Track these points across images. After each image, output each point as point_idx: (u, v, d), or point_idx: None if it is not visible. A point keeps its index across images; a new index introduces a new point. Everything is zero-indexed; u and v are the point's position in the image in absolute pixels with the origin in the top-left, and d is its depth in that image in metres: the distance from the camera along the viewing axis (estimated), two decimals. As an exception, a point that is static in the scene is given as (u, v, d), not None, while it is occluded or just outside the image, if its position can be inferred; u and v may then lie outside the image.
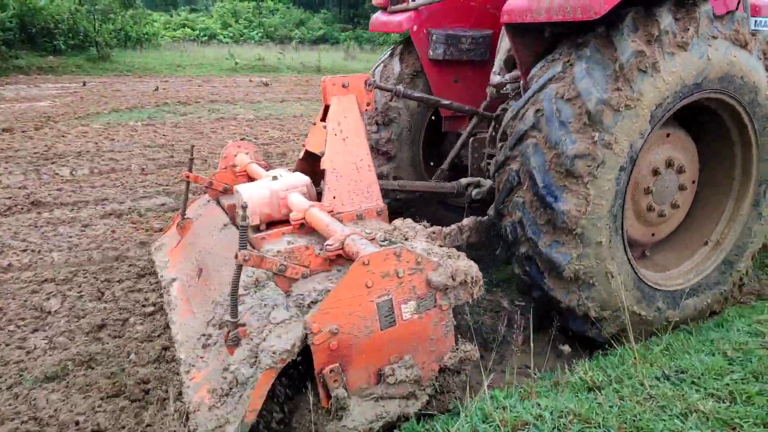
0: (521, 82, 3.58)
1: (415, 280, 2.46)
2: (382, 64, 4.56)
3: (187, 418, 2.40)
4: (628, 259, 3.03)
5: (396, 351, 2.47)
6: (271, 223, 3.12)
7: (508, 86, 3.95)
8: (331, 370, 2.32)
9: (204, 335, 2.76)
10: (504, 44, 4.06)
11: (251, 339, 2.37)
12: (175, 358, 3.04)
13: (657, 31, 2.76)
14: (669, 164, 3.26)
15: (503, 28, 3.99)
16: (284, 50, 24.69)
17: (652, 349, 2.98)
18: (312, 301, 2.49)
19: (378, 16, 4.55)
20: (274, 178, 3.25)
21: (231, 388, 2.32)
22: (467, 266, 2.59)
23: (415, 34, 4.16)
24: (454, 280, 2.52)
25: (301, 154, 3.57)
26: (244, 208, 2.56)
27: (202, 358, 2.67)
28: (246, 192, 3.10)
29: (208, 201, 4.08)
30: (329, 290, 2.41)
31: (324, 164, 3.19)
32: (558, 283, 2.94)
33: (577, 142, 2.75)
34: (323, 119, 3.32)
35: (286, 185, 3.19)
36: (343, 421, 2.34)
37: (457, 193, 3.97)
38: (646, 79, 2.75)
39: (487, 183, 3.86)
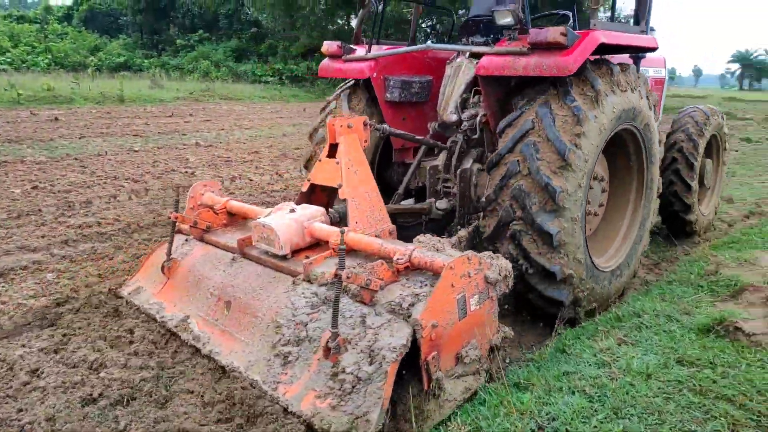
0: (477, 119, 4.62)
1: (478, 277, 3.08)
2: (345, 92, 5.19)
3: (308, 425, 2.69)
4: (589, 255, 4.01)
5: (467, 337, 3.05)
6: (295, 251, 3.61)
7: (465, 123, 4.74)
8: (432, 357, 2.80)
9: (277, 355, 3.08)
10: (455, 88, 4.81)
11: (356, 344, 2.81)
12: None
13: (593, 89, 3.78)
14: (595, 177, 4.29)
15: (448, 76, 4.87)
16: (79, 79, 22.18)
17: (519, 396, 2.97)
18: (409, 305, 2.89)
19: (330, 63, 5.18)
20: (292, 210, 3.74)
21: (354, 386, 2.70)
22: (506, 264, 3.30)
23: (375, 80, 4.89)
24: (500, 275, 3.20)
25: (304, 188, 4.07)
26: (342, 232, 3.05)
27: (286, 374, 2.98)
28: (275, 224, 3.51)
29: (186, 240, 4.22)
30: (417, 294, 2.96)
31: (343, 194, 3.73)
32: (551, 286, 3.81)
33: (556, 179, 3.63)
34: (330, 156, 3.90)
35: (307, 216, 3.69)
36: (440, 398, 2.84)
37: (428, 211, 4.73)
38: (592, 124, 3.74)
39: (443, 202, 4.73)
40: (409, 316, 2.82)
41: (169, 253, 4.06)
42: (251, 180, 9.29)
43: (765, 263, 4.66)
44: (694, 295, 4.25)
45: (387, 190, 5.02)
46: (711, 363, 3.18)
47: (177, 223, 4.15)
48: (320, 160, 3.97)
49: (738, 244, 5.53)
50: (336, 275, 2.81)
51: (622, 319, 3.96)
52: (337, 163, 3.79)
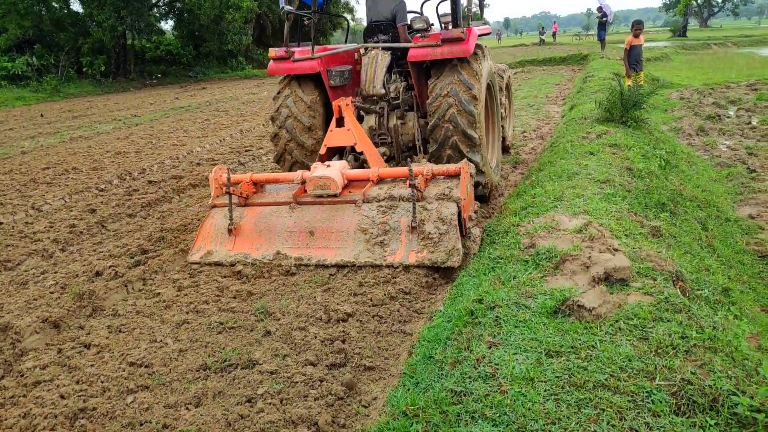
0: (400, 90, 7.10)
1: (469, 173, 5.59)
2: (288, 99, 7.02)
3: (419, 266, 5.13)
4: (489, 164, 6.83)
5: (470, 205, 5.58)
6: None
7: (391, 93, 7.06)
8: (466, 216, 5.34)
9: (375, 244, 5.26)
10: (377, 71, 6.91)
11: (428, 219, 5.24)
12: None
13: (474, 69, 6.34)
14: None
15: (366, 63, 7.03)
16: None
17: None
18: (449, 192, 5.44)
19: (280, 64, 6.89)
20: (328, 166, 5.83)
21: (439, 239, 5.11)
22: (473, 166, 5.88)
23: (323, 72, 6.84)
24: (474, 171, 5.84)
25: (322, 151, 6.26)
26: (411, 169, 5.33)
27: (386, 251, 5.19)
28: (331, 174, 5.64)
29: (229, 209, 5.75)
30: (449, 186, 5.56)
31: (359, 149, 6.19)
32: (478, 189, 6.53)
33: (473, 130, 6.23)
34: (338, 126, 6.26)
35: (341, 167, 5.87)
36: (472, 238, 5.42)
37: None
38: (479, 88, 6.29)
39: (383, 148, 7.00)
40: (451, 197, 5.32)
41: (231, 218, 5.69)
42: (1, 223, 7.55)
43: (565, 226, 5.21)
44: (525, 273, 4.53)
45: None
46: (572, 347, 3.41)
47: (213, 198, 6.05)
48: (331, 131, 6.27)
49: (533, 207, 6.08)
50: (410, 185, 5.21)
51: (476, 314, 4.06)
52: (348, 129, 6.15)
